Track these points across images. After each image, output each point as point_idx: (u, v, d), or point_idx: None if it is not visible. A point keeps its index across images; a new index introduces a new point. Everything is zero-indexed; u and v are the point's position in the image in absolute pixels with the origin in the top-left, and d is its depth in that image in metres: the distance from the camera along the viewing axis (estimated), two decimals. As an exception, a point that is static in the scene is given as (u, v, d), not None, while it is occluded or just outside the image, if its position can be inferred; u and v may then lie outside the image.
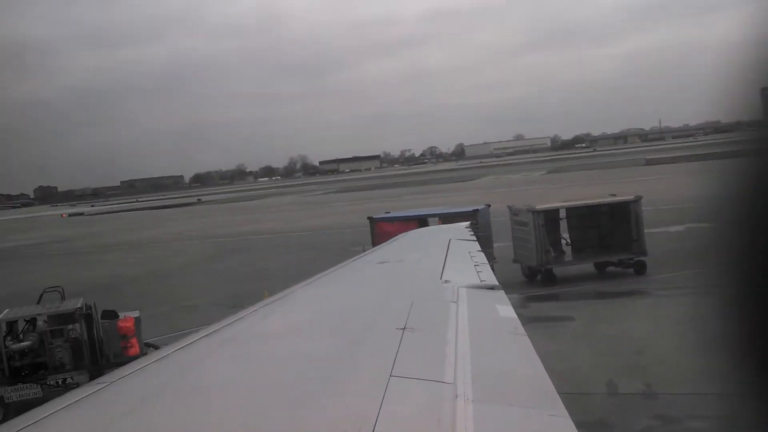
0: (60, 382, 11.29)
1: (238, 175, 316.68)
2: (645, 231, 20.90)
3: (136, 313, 12.97)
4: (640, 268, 20.44)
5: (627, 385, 11.47)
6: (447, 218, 19.57)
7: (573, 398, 10.01)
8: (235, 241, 44.73)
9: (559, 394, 3.39)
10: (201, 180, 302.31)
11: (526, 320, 13.69)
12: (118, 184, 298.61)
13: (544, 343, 12.84)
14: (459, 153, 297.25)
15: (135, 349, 12.03)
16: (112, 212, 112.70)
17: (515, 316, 5.04)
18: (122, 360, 10.70)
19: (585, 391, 11.11)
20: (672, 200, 38.89)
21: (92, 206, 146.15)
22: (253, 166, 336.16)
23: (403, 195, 73.11)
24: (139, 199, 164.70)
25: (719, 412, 10.08)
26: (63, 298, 14.05)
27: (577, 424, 2.99)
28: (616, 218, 21.78)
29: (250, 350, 4.11)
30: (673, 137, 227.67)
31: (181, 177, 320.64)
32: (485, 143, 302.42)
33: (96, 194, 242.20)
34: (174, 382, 3.46)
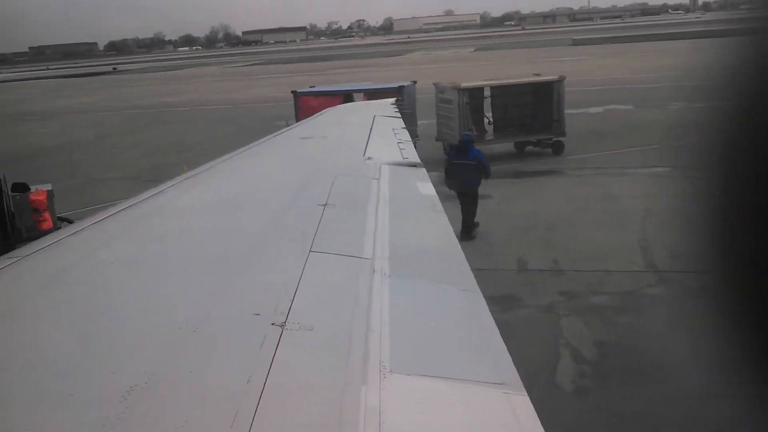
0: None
1: (157, 43, 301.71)
2: (566, 112, 21.31)
3: (48, 186, 12.51)
4: (558, 149, 20.99)
5: (536, 262, 12.05)
6: (372, 94, 19.35)
7: (485, 274, 10.48)
8: (152, 112, 43.15)
9: (472, 270, 3.53)
10: (116, 48, 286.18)
11: (445, 197, 14.00)
12: (26, 50, 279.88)
13: (460, 220, 13.24)
14: (387, 27, 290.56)
15: (48, 224, 11.71)
16: (20, 80, 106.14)
17: (435, 193, 5.14)
18: (35, 234, 10.41)
19: (496, 267, 11.62)
20: (595, 81, 39.58)
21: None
22: (172, 35, 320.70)
23: (329, 69, 71.55)
24: (49, 67, 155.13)
25: (620, 288, 10.79)
26: (-31, 169, 13.39)
27: (487, 299, 3.14)
28: (539, 98, 22.04)
29: (167, 225, 4.06)
30: (601, 18, 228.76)
31: (95, 44, 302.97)
32: (414, 18, 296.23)
33: (1, 60, 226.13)
34: (88, 256, 3.40)
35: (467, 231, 13.05)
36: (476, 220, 13.63)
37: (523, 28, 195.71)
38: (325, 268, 3.26)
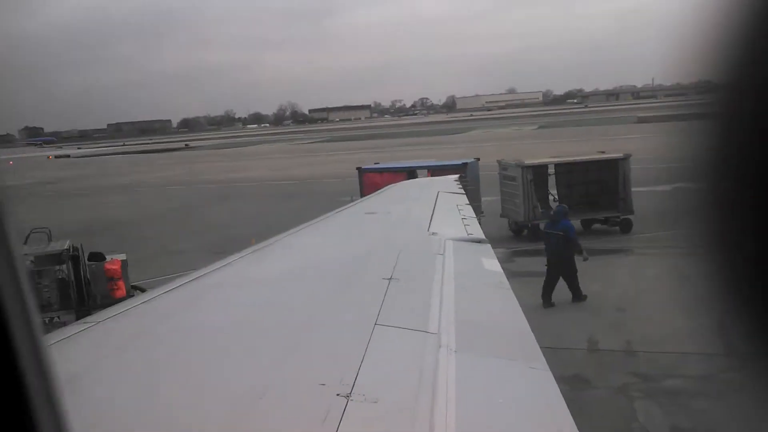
0: (47, 321, 11.37)
1: (227, 121, 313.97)
2: (633, 189, 20.99)
3: (123, 256, 12.99)
4: (626, 227, 20.59)
5: (606, 341, 11.68)
6: (436, 171, 19.55)
7: (554, 353, 10.20)
8: (222, 187, 44.55)
9: (541, 348, 3.45)
10: (189, 125, 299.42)
11: (511, 274, 13.79)
12: (105, 126, 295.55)
13: (528, 297, 13.00)
14: (450, 105, 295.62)
15: (121, 291, 12.09)
16: (98, 155, 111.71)
17: (500, 269, 5.09)
18: (109, 302, 10.75)
19: (565, 345, 11.30)
20: (661, 159, 39.01)
21: (78, 149, 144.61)
22: (241, 113, 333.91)
23: (393, 146, 72.83)
24: (126, 143, 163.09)
25: (701, 371, 10.31)
26: (50, 239, 14.03)
27: (556, 378, 3.06)
28: (604, 176, 21.83)
29: (236, 296, 4.14)
30: (665, 95, 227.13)
31: (169, 121, 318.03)
32: (477, 96, 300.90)
33: (82, 136, 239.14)
34: (159, 324, 3.49)
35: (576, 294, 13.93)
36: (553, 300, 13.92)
37: (586, 106, 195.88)
38: (391, 341, 3.25)
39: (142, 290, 11.34)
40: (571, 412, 2.72)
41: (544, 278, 14.25)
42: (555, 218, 14.66)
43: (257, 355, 2.98)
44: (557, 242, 14.09)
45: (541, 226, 19.11)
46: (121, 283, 12.22)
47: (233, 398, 2.43)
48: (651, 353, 11.05)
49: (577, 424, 2.62)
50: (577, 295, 13.96)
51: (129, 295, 11.60)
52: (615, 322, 12.74)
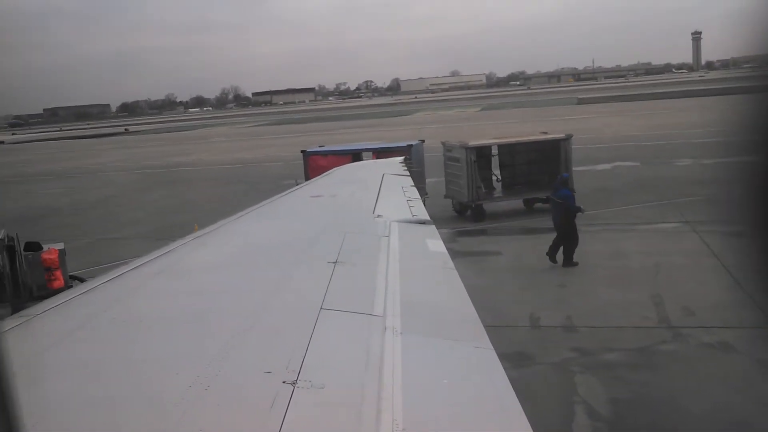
0: (-20, 315, 10.95)
1: (168, 105, 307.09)
2: (573, 169, 21.43)
3: (60, 245, 12.59)
4: (567, 205, 21.04)
5: (548, 318, 11.94)
6: (381, 153, 19.55)
7: (498, 331, 10.39)
8: (164, 172, 43.67)
9: (484, 326, 3.50)
10: (128, 109, 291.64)
11: (456, 254, 13.97)
12: (41, 111, 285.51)
13: (472, 277, 13.20)
14: (394, 88, 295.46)
15: (59, 282, 11.73)
16: (35, 141, 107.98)
17: (445, 250, 5.14)
18: (46, 293, 10.43)
19: (509, 323, 11.52)
20: (601, 139, 39.93)
21: (13, 134, 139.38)
22: (183, 96, 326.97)
23: (338, 129, 72.55)
24: (63, 128, 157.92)
25: (634, 344, 10.64)
26: (-18, 229, 13.53)
27: (499, 355, 3.11)
28: (547, 156, 22.22)
29: (178, 284, 4.07)
30: (606, 77, 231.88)
31: (108, 106, 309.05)
32: (421, 78, 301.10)
33: (16, 124, 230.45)
34: (99, 315, 3.41)
35: (567, 258, 15.11)
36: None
37: (529, 88, 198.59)
38: (336, 325, 3.25)
39: (81, 280, 11.05)
40: (514, 388, 2.78)
41: (487, 257, 14.40)
42: (556, 187, 15.72)
43: (201, 344, 2.94)
44: (557, 208, 15.40)
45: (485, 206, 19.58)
46: (58, 274, 11.86)
47: (178, 391, 2.40)
48: (590, 328, 11.35)
49: (519, 399, 2.68)
50: (569, 260, 15.06)
51: (67, 286, 11.29)
52: (556, 298, 13.04)
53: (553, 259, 15.20)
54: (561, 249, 15.22)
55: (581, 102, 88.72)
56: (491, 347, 3.18)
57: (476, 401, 2.69)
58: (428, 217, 6.33)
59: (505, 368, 2.98)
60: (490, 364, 3.00)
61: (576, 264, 15.04)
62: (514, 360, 9.92)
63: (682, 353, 10.13)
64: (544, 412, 8.20)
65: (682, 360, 9.89)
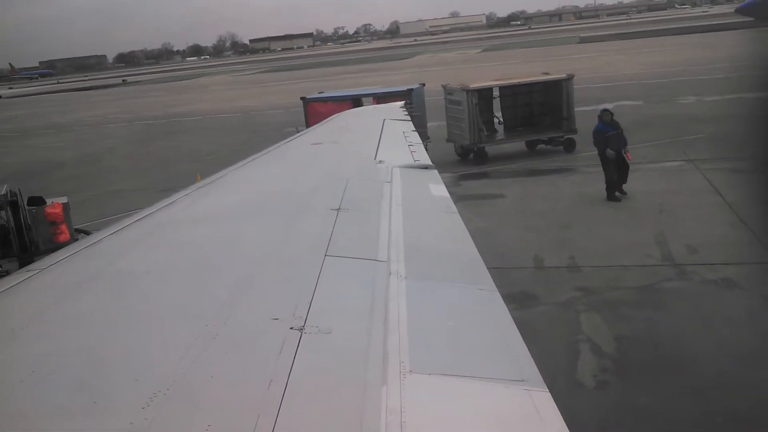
0: (-11, 270, 11.05)
1: (165, 54, 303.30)
2: (576, 109, 21.24)
3: (64, 199, 12.61)
4: (570, 146, 20.91)
5: (552, 260, 12.00)
6: (381, 98, 19.39)
7: (501, 272, 10.46)
8: (163, 123, 43.42)
9: (488, 269, 3.52)
10: (125, 60, 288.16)
11: (458, 198, 14.02)
12: (37, 64, 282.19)
13: (475, 220, 13.24)
14: (394, 31, 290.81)
15: (65, 236, 11.79)
16: (33, 94, 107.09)
17: (447, 194, 5.14)
18: (52, 247, 10.49)
19: (513, 265, 11.59)
20: (603, 78, 39.46)
21: (10, 88, 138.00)
22: (180, 45, 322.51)
23: (337, 74, 71.73)
24: (60, 81, 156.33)
25: (638, 283, 10.72)
26: (-15, 185, 13.53)
27: (504, 296, 3.14)
28: (549, 96, 22.00)
29: (183, 234, 4.09)
30: (608, 15, 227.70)
31: (104, 57, 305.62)
32: (420, 21, 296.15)
33: (13, 76, 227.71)
34: (106, 267, 3.43)
35: (620, 190, 15.47)
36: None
37: (530, 28, 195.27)
38: (341, 271, 3.28)
39: (87, 233, 11.11)
40: (519, 328, 2.81)
41: (490, 200, 14.33)
42: (612, 122, 15.70)
43: (208, 293, 2.97)
44: (620, 140, 15.51)
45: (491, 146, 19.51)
46: (63, 227, 11.90)
47: (187, 340, 2.43)
48: (594, 267, 11.43)
49: (524, 339, 2.71)
50: (621, 192, 15.46)
51: (73, 239, 11.35)
52: (560, 239, 13.08)
53: (612, 197, 15.37)
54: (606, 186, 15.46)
55: (583, 41, 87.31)
56: (495, 289, 3.21)
57: (481, 342, 2.73)
58: (430, 162, 6.32)
59: (509, 309, 3.01)
60: (494, 305, 3.03)
61: (625, 195, 15.41)
62: (518, 301, 10.02)
63: (686, 290, 10.21)
64: (549, 351, 8.33)
65: (686, 297, 9.98)
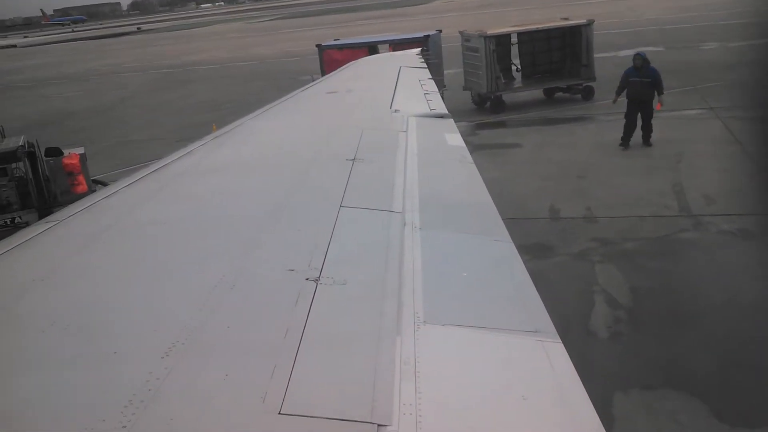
0: (9, 222, 11.20)
1: (179, 1, 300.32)
2: (595, 55, 20.84)
3: (81, 150, 12.67)
4: (588, 94, 20.57)
5: (568, 210, 11.95)
6: (397, 45, 19.09)
7: (517, 223, 10.45)
8: (179, 71, 43.20)
9: (503, 219, 3.52)
10: (139, 7, 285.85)
11: (474, 148, 13.91)
12: (51, 13, 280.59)
13: (491, 169, 13.18)
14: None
15: (83, 187, 11.88)
16: (47, 43, 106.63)
17: (463, 144, 5.11)
18: (70, 198, 10.58)
19: (528, 216, 11.57)
20: (624, 24, 38.59)
21: (25, 37, 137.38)
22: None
23: (353, 20, 70.69)
24: (74, 29, 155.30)
25: (654, 233, 10.68)
26: (3, 136, 13.61)
27: (518, 247, 3.15)
28: (567, 43, 21.56)
29: (199, 185, 4.11)
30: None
31: (118, 4, 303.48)
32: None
33: (28, 24, 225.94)
34: (124, 218, 3.47)
35: (645, 140, 15.29)
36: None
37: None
38: (357, 222, 3.29)
39: (104, 184, 11.19)
40: (533, 280, 2.83)
41: (507, 149, 14.24)
42: (641, 67, 15.34)
43: (224, 244, 3.00)
44: (644, 88, 15.17)
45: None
46: (81, 178, 11.99)
47: (204, 290, 2.47)
48: (610, 218, 11.38)
49: (539, 290, 2.73)
50: (647, 138, 15.28)
51: (90, 190, 11.43)
52: (577, 188, 13.01)
53: (626, 144, 15.27)
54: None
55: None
56: (510, 240, 3.22)
57: (495, 294, 2.75)
58: (446, 111, 6.26)
59: (524, 260, 3.02)
60: (508, 256, 3.04)
61: (651, 144, 15.27)
62: (533, 252, 10.02)
63: (703, 241, 10.16)
64: (563, 302, 8.37)
65: (703, 248, 9.94)
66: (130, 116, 27.79)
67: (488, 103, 20.74)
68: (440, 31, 22.05)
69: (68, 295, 2.54)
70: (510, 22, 27.16)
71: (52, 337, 2.18)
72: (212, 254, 2.87)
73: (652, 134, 15.29)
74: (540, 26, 22.53)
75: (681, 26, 35.51)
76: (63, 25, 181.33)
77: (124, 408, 1.74)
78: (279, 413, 1.74)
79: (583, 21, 21.05)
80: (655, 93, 15.22)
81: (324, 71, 18.76)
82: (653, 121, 15.36)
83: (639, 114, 15.23)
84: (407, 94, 7.04)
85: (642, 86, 15.16)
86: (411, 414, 1.79)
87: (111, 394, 1.82)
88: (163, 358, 1.98)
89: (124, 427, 1.67)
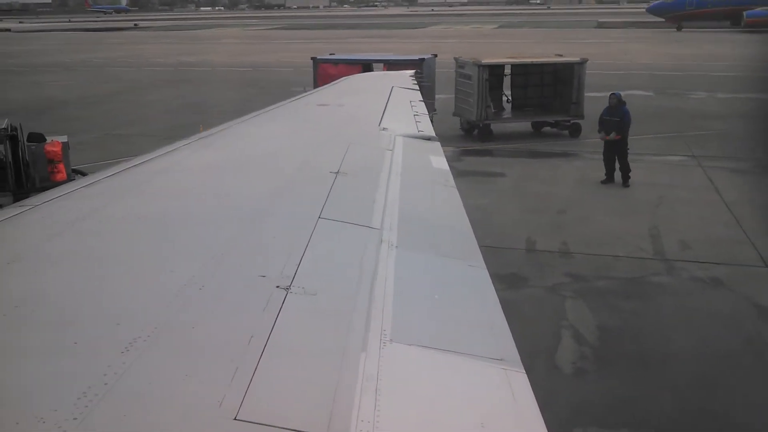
0: (-18, 203, 11.04)
1: (179, 1, 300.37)
2: (586, 94, 21.08)
3: (64, 138, 12.57)
4: (575, 131, 20.78)
5: (544, 243, 12.02)
6: (392, 65, 19.22)
7: (493, 251, 10.49)
8: (172, 71, 43.08)
9: (480, 247, 3.53)
10: (138, 4, 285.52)
11: (458, 173, 13.98)
12: (49, 0, 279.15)
13: (472, 196, 13.23)
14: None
15: (62, 175, 11.77)
16: (42, 30, 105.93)
17: (447, 168, 5.13)
18: (49, 185, 10.48)
19: (505, 245, 11.61)
20: (617, 65, 39.12)
21: (20, 23, 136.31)
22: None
23: (351, 37, 71.00)
24: (72, 20, 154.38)
25: (627, 274, 10.76)
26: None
27: (492, 275, 3.15)
28: (560, 79, 21.82)
29: (180, 183, 4.08)
30: (629, 1, 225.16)
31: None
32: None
33: (24, 9, 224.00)
34: (98, 209, 3.43)
35: (624, 178, 15.52)
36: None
37: (549, 7, 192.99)
38: (333, 235, 3.28)
39: (84, 174, 11.08)
40: (504, 309, 2.83)
41: (490, 178, 14.70)
42: (614, 107, 15.80)
43: (198, 244, 2.97)
44: (611, 127, 15.61)
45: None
46: (61, 166, 11.89)
47: (172, 288, 2.44)
48: (585, 255, 11.46)
49: (508, 320, 2.73)
50: (626, 179, 15.49)
51: (70, 179, 11.33)
52: (555, 223, 13.10)
53: (611, 179, 15.58)
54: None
55: (601, 26, 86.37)
56: (484, 267, 3.22)
57: (464, 318, 2.75)
58: (434, 134, 6.29)
59: (497, 289, 3.02)
60: (481, 283, 3.05)
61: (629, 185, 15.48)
62: (507, 281, 10.06)
63: (674, 286, 10.26)
64: (531, 333, 8.38)
65: (673, 293, 10.03)
66: (120, 110, 27.62)
67: (476, 131, 20.87)
68: (435, 55, 22.22)
69: (34, 282, 2.50)
70: (506, 54, 27.40)
71: (12, 323, 2.14)
72: (184, 253, 2.85)
73: (631, 176, 15.47)
74: (534, 60, 22.80)
75: (673, 73, 36.09)
76: (105, 12, 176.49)
77: (78, 400, 1.71)
78: (234, 419, 1.72)
79: (576, 59, 21.33)
80: (624, 130, 15.61)
81: (317, 84, 18.79)
82: (633, 163, 15.55)
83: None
84: (397, 114, 7.06)
85: (611, 125, 15.61)
86: (368, 431, 1.78)
87: (66, 384, 1.79)
88: (123, 353, 1.95)
89: (75, 419, 1.64)
